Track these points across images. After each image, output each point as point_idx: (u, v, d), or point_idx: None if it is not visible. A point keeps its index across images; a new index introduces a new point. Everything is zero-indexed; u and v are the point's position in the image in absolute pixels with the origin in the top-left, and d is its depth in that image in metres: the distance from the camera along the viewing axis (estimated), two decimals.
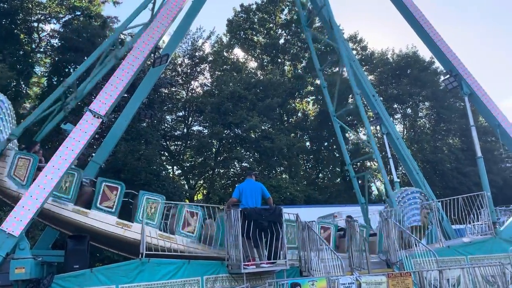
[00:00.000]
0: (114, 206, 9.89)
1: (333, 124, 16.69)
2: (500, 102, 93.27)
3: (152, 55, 11.43)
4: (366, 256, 10.61)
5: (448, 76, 14.67)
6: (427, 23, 14.82)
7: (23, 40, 24.82)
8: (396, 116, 38.24)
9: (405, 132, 38.16)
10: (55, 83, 24.34)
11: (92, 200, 9.93)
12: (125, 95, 18.27)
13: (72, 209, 9.60)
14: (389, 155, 18.68)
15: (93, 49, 22.42)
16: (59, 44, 24.34)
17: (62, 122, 11.57)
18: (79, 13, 25.20)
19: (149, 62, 14.58)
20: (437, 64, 34.38)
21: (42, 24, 25.95)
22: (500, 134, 14.03)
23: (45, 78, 25.76)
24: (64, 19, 25.31)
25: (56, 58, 24.13)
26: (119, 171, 21.57)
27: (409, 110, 39.04)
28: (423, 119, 40.25)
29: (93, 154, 13.82)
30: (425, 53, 39.71)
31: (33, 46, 25.82)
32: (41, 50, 26.28)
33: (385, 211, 12.63)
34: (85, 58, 22.98)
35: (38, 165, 9.76)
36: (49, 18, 25.47)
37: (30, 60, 24.74)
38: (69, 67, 24.16)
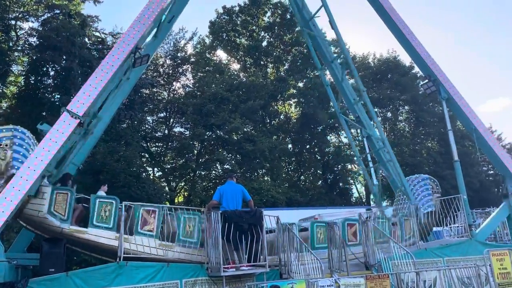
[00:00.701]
0: (154, 229, 9.93)
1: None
2: (477, 107, 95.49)
3: (133, 55, 11.25)
4: (346, 257, 10.67)
5: (426, 81, 14.93)
6: (406, 28, 15.06)
7: (0, 38, 24.26)
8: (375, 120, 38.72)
9: (385, 136, 38.64)
10: (32, 82, 23.88)
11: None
12: None
13: (115, 237, 9.59)
14: (369, 158, 18.90)
15: (73, 48, 22.25)
16: (38, 42, 23.87)
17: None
18: (58, 11, 24.74)
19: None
20: (417, 69, 34.97)
21: (20, 22, 25.44)
22: (476, 138, 14.32)
23: (23, 77, 25.23)
24: (42, 18, 24.82)
25: (34, 57, 23.66)
26: (98, 172, 21.27)
27: (389, 114, 39.60)
28: (403, 123, 40.87)
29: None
30: (405, 58, 40.40)
31: (11, 44, 25.24)
32: (19, 48, 25.71)
33: (402, 200, 13.34)
34: (64, 57, 22.70)
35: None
36: (27, 16, 24.95)
37: (7, 59, 24.16)
38: (47, 66, 23.72)
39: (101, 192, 11.49)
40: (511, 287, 9.91)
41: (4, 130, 9.54)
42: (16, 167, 9.15)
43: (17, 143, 9.46)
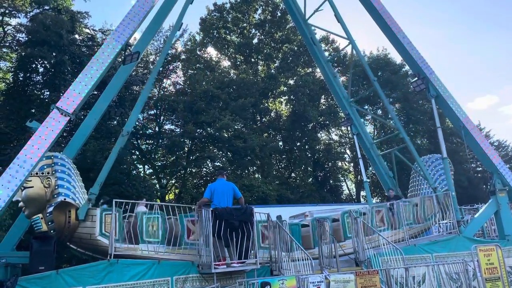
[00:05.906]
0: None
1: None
2: (465, 104, 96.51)
3: (123, 52, 11.16)
4: (336, 254, 10.75)
5: (416, 78, 15.00)
6: (396, 26, 15.13)
7: None
8: (367, 117, 38.96)
9: (375, 133, 38.89)
10: (21, 78, 23.61)
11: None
12: (95, 92, 17.89)
13: (165, 250, 9.77)
14: (359, 156, 19.01)
15: (62, 42, 21.98)
16: (26, 38, 23.58)
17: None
18: (47, 7, 24.45)
19: (119, 59, 14.32)
20: (407, 67, 35.20)
21: (8, 18, 25.06)
22: (465, 135, 14.45)
23: (11, 74, 24.93)
24: (31, 13, 24.51)
25: (23, 53, 23.38)
26: (88, 170, 21.08)
27: (379, 112, 39.84)
28: (393, 121, 41.08)
29: (61, 153, 13.45)
30: (396, 56, 40.65)
31: None
32: (7, 44, 25.37)
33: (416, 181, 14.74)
34: (53, 54, 22.45)
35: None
36: (15, 12, 24.59)
37: None
38: (36, 62, 23.47)
39: (142, 208, 11.32)
40: (498, 282, 10.06)
41: (43, 159, 9.43)
42: (63, 193, 9.19)
43: (59, 170, 9.53)
